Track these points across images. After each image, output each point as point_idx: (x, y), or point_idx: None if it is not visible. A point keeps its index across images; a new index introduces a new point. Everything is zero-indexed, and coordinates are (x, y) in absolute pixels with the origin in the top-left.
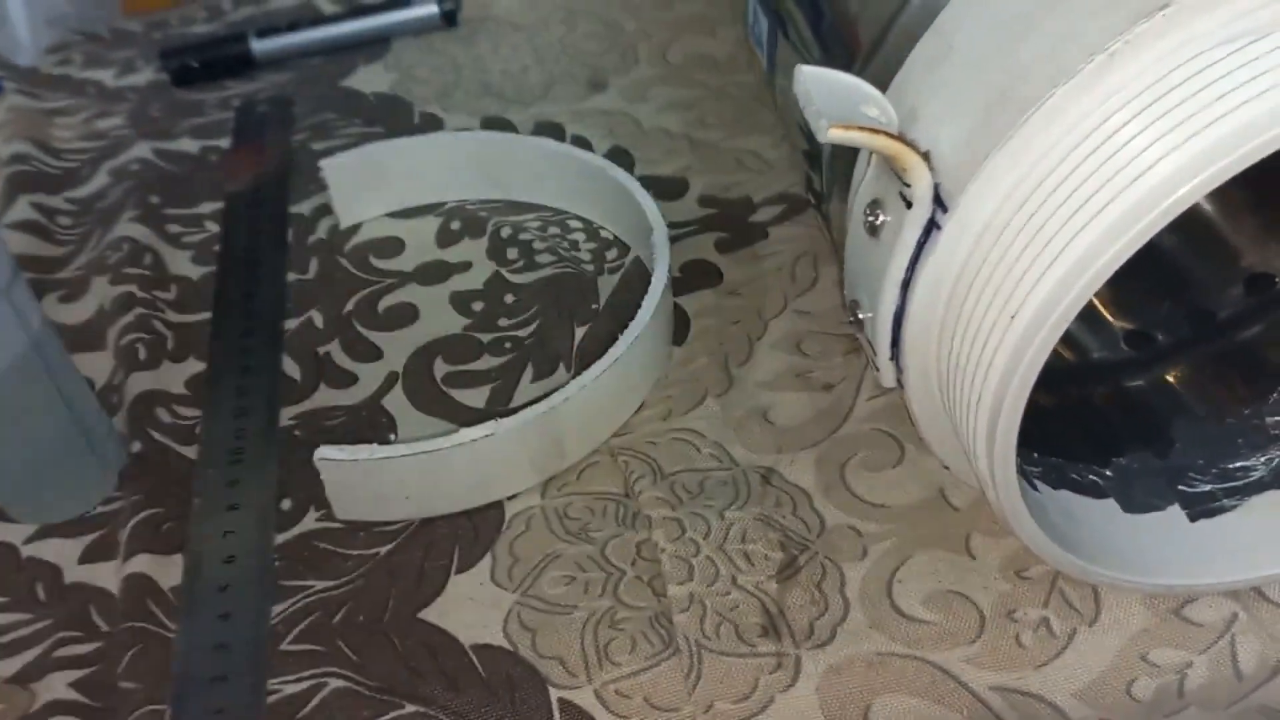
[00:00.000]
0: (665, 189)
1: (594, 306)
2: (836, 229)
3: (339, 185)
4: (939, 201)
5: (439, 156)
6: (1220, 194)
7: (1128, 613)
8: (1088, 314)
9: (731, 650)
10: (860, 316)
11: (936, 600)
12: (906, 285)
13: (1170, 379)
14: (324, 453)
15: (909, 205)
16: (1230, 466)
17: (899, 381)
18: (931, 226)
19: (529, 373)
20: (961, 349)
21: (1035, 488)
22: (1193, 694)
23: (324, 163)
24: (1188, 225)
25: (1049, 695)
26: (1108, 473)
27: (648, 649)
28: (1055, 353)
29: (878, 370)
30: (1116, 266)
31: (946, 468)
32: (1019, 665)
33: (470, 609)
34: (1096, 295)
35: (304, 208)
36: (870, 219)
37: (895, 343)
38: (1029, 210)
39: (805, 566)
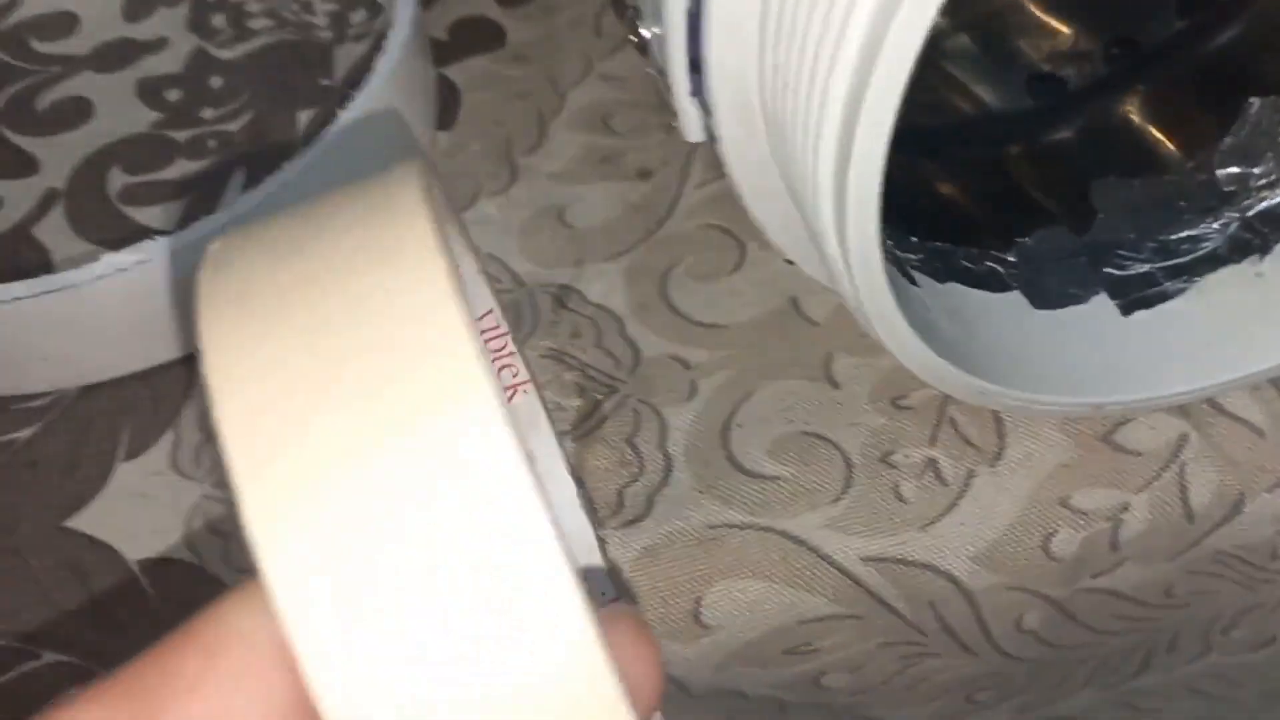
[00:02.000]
0: None
1: (325, 83)
2: None
3: None
4: None
5: None
6: None
7: (1042, 444)
8: (985, 47)
9: None
10: (644, 34)
11: (788, 447)
12: None
13: (1087, 127)
14: None
15: None
16: (1172, 238)
17: (709, 131)
18: None
19: (239, 178)
20: (790, 59)
21: (914, 281)
22: (1129, 545)
23: None
24: None
25: (940, 562)
26: (1009, 257)
27: None
28: (939, 106)
29: (678, 122)
30: None
31: (790, 262)
32: (899, 526)
33: (141, 510)
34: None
35: None
36: None
37: (696, 67)
38: None
39: (612, 416)
